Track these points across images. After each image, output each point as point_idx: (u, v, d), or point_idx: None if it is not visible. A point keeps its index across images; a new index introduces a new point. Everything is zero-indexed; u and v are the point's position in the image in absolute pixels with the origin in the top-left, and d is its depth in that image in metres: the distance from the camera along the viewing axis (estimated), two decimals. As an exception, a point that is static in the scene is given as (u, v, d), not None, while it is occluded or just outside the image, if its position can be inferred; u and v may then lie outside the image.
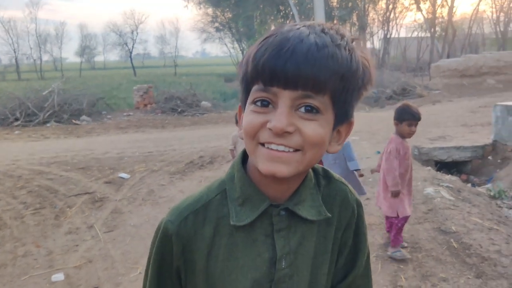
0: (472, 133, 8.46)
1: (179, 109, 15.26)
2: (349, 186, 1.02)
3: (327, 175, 1.00)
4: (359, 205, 1.01)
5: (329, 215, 0.93)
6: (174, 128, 12.12)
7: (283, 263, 0.91)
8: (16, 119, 13.82)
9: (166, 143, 8.95)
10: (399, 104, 3.69)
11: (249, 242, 0.90)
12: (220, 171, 6.50)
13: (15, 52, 53.12)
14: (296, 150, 0.81)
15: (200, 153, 7.58)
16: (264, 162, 0.81)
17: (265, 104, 0.80)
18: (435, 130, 8.86)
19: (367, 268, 1.05)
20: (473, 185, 6.51)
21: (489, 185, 6.27)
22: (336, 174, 1.02)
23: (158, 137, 10.19)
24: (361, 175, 4.21)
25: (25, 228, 4.71)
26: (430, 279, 3.33)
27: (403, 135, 3.55)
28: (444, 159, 7.28)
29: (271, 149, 0.80)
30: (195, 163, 7.03)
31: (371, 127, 9.34)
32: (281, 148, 0.80)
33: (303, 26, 0.81)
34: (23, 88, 17.07)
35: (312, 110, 0.79)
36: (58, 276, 3.69)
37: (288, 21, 25.03)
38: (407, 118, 3.49)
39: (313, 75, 0.76)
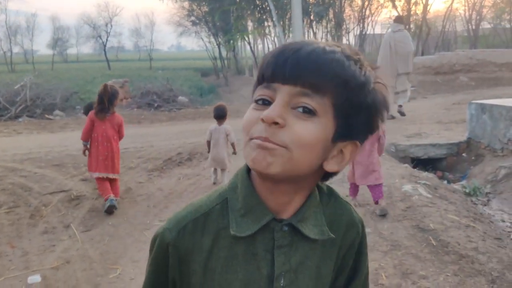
0: (447, 130, 8.60)
1: (156, 104, 15.02)
2: (352, 205, 1.00)
3: (332, 193, 0.97)
4: (363, 225, 1.00)
5: (332, 235, 0.90)
6: (150, 123, 11.92)
7: (282, 282, 0.87)
8: (-14, 114, 13.43)
9: (143, 139, 8.81)
10: None
11: (249, 255, 0.87)
12: (199, 168, 6.45)
13: (-17, 43, 51.56)
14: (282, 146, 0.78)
15: (178, 149, 7.48)
16: (250, 154, 0.79)
17: (266, 103, 0.79)
18: (411, 127, 8.97)
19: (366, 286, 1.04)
20: (448, 181, 6.62)
21: (463, 182, 6.40)
22: (339, 194, 1.00)
23: (134, 133, 10.00)
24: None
25: (-2, 228, 4.58)
26: (411, 277, 3.37)
27: None
28: (420, 156, 7.39)
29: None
30: (173, 160, 6.94)
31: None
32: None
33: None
34: (-8, 82, 16.59)
35: (309, 111, 0.77)
36: (35, 278, 3.60)
37: (265, 16, 25.00)
38: None
39: (312, 72, 0.76)
